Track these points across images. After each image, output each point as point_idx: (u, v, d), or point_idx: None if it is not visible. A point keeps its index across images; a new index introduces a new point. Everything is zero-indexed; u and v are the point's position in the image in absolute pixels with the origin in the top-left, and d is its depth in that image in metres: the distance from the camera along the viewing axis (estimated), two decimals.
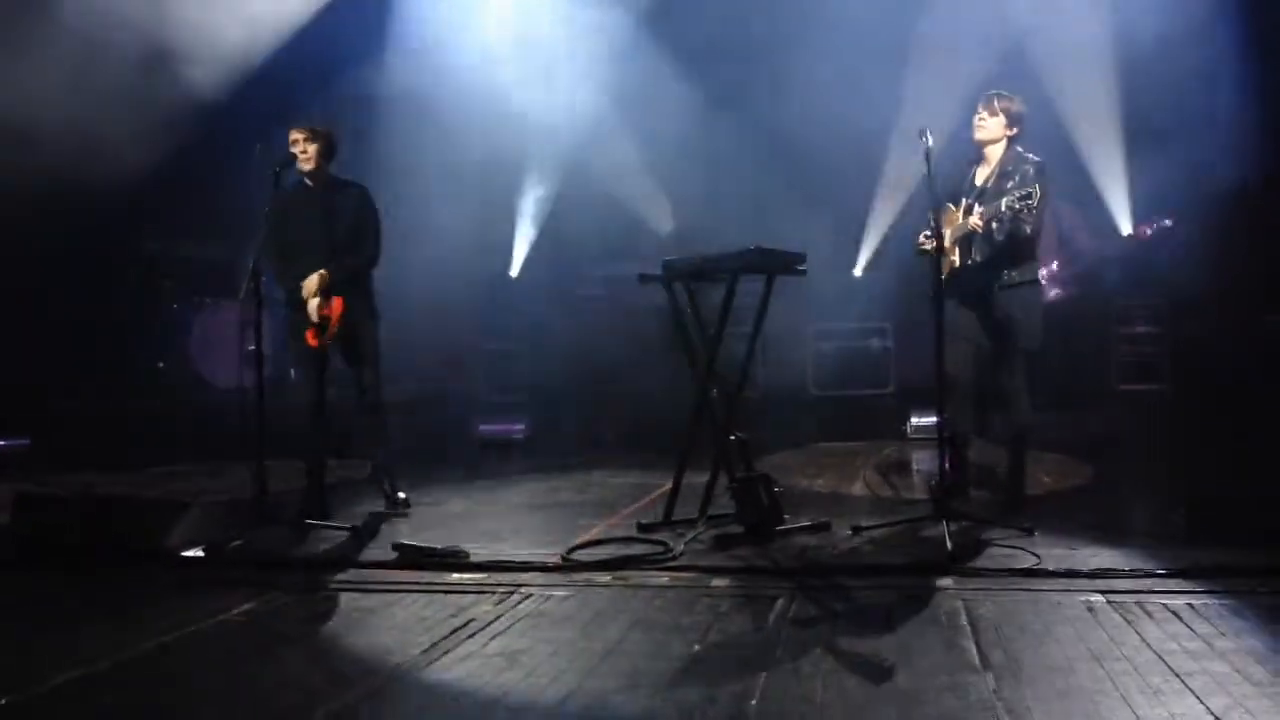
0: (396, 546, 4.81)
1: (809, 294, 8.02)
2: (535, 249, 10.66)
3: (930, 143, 4.95)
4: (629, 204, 10.48)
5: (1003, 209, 4.95)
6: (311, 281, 5.48)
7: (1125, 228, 9.07)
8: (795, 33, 9.07)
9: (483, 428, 9.07)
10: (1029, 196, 4.85)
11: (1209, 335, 8.48)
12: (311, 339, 5.51)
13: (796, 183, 9.13)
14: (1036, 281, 5.39)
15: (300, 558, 4.94)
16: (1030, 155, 5.31)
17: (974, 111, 5.40)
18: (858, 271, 9.98)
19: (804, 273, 5.44)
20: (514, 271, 10.72)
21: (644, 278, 5.67)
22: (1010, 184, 5.17)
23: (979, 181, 5.40)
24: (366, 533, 5.34)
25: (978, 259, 5.30)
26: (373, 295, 5.81)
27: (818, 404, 9.35)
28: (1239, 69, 8.25)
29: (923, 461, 7.13)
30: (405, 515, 5.73)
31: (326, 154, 5.62)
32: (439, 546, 4.77)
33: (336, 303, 5.49)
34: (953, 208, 5.44)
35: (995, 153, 5.38)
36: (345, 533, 5.31)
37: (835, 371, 9.49)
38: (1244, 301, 8.34)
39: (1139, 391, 8.56)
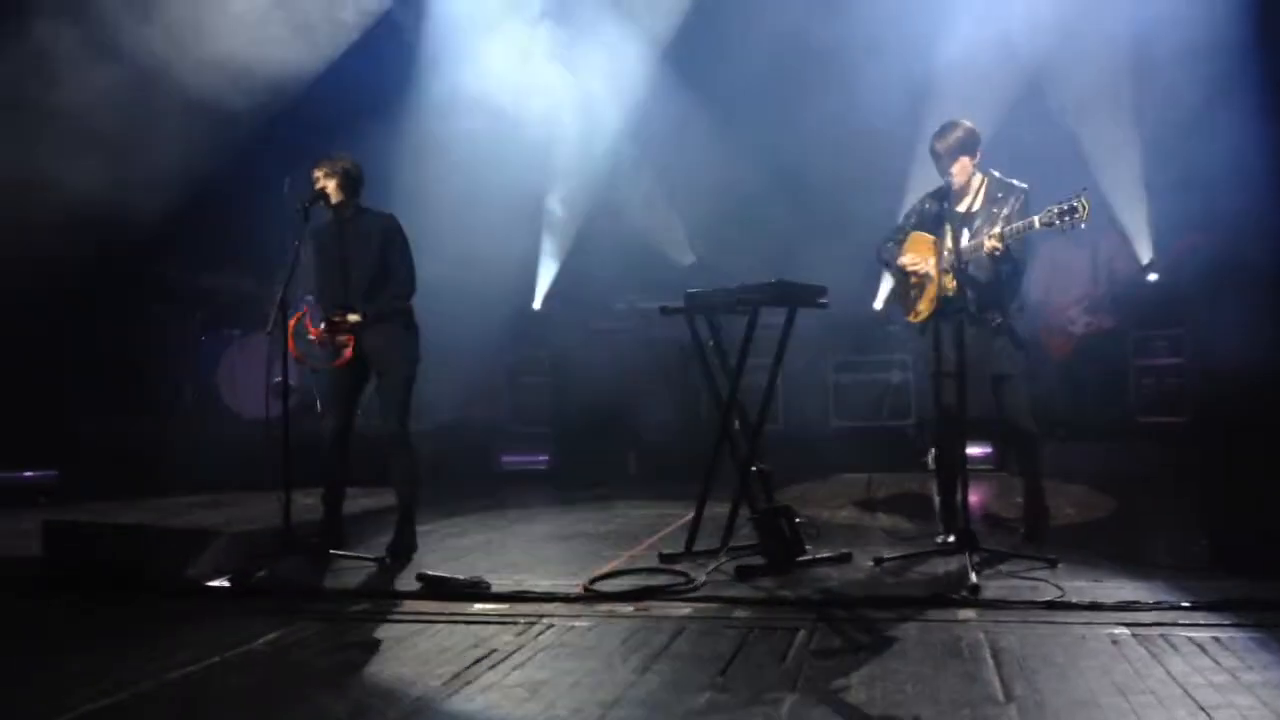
0: (420, 577, 4.84)
1: (830, 326, 8.05)
2: (557, 282, 10.73)
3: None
4: (650, 237, 10.55)
5: (1037, 225, 4.79)
6: (349, 320, 5.50)
7: (1146, 255, 9.04)
8: (816, 65, 9.12)
9: (505, 459, 9.11)
10: (1074, 210, 4.67)
11: (1231, 366, 8.42)
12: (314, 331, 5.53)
13: (818, 215, 9.16)
14: (1024, 306, 5.39)
15: (325, 588, 4.98)
16: (1012, 181, 5.25)
17: (935, 156, 5.24)
18: (878, 304, 9.99)
19: (825, 305, 5.46)
20: (536, 304, 10.80)
21: (666, 310, 5.71)
22: (1005, 209, 5.13)
23: (961, 209, 5.25)
24: (390, 563, 5.37)
25: (982, 279, 5.16)
26: (411, 334, 5.66)
27: (838, 436, 9.33)
28: (1262, 89, 8.22)
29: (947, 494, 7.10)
30: (405, 560, 5.47)
31: (347, 186, 5.59)
32: (462, 577, 4.80)
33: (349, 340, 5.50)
34: (928, 236, 5.35)
35: (972, 182, 5.29)
36: (369, 563, 5.35)
37: (856, 403, 9.48)
38: (1266, 332, 8.26)
39: (1159, 424, 8.49)
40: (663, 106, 9.70)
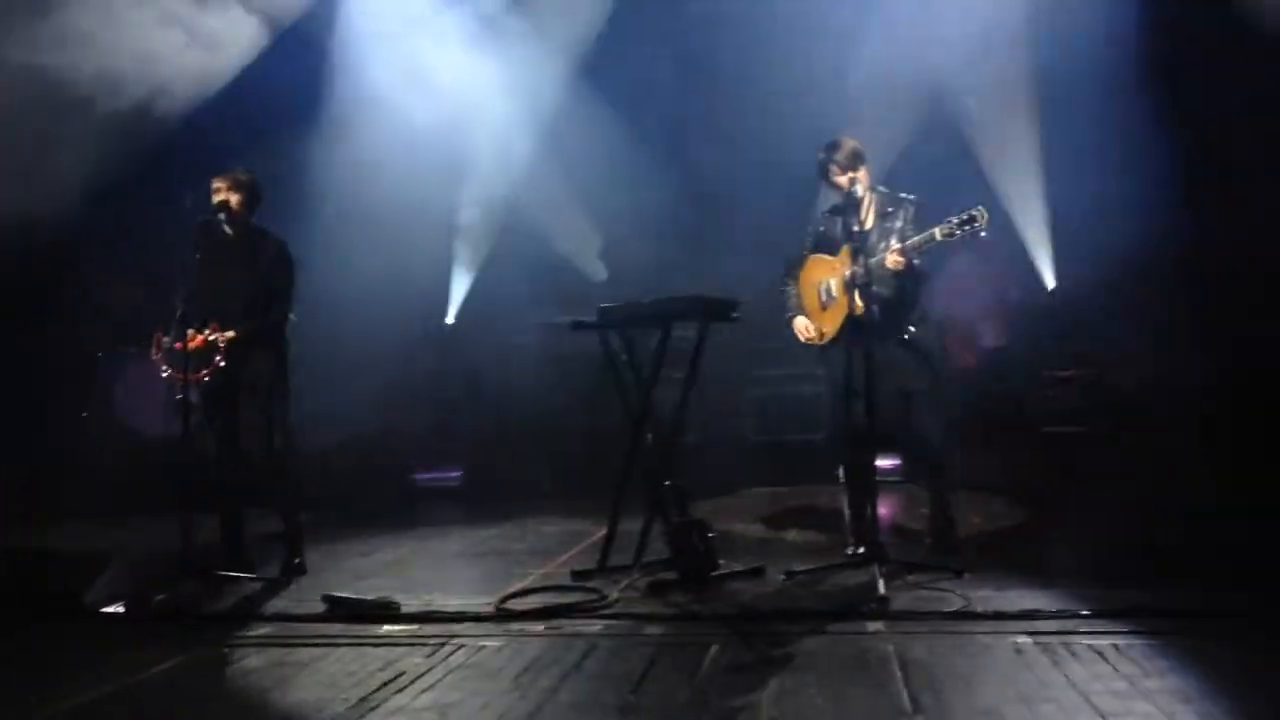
0: (325, 598, 4.73)
1: (744, 339, 8.09)
2: (471, 296, 10.63)
3: None
4: (564, 251, 10.51)
5: (938, 237, 4.87)
6: (223, 337, 5.36)
7: (1049, 279, 9.27)
8: (731, 78, 9.20)
9: (418, 475, 8.98)
10: (974, 219, 4.74)
11: (1133, 379, 8.68)
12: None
13: (733, 229, 9.22)
14: (925, 318, 5.43)
15: (226, 612, 4.85)
16: (901, 194, 5.38)
17: (829, 173, 5.32)
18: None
19: (737, 319, 5.49)
20: (450, 318, 10.68)
21: (578, 324, 5.70)
22: (898, 222, 5.24)
23: (856, 227, 5.24)
24: (294, 585, 5.25)
25: (885, 295, 5.19)
26: (285, 353, 5.64)
27: (752, 449, 9.38)
28: (1159, 113, 8.48)
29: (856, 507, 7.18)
30: (294, 581, 5.42)
31: (249, 203, 5.58)
32: (369, 597, 4.71)
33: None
34: (827, 258, 5.46)
35: (864, 198, 5.31)
36: (272, 585, 5.23)
37: (770, 417, 9.54)
38: (1168, 346, 8.54)
39: (1062, 434, 8.69)
40: (577, 120, 9.69)
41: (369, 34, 9.26)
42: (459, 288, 10.62)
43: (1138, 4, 8.25)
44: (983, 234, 4.77)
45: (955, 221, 4.81)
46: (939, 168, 8.16)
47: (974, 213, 4.77)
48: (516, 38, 9.48)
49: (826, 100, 8.44)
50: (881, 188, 5.41)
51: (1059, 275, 9.22)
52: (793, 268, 5.68)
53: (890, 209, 5.34)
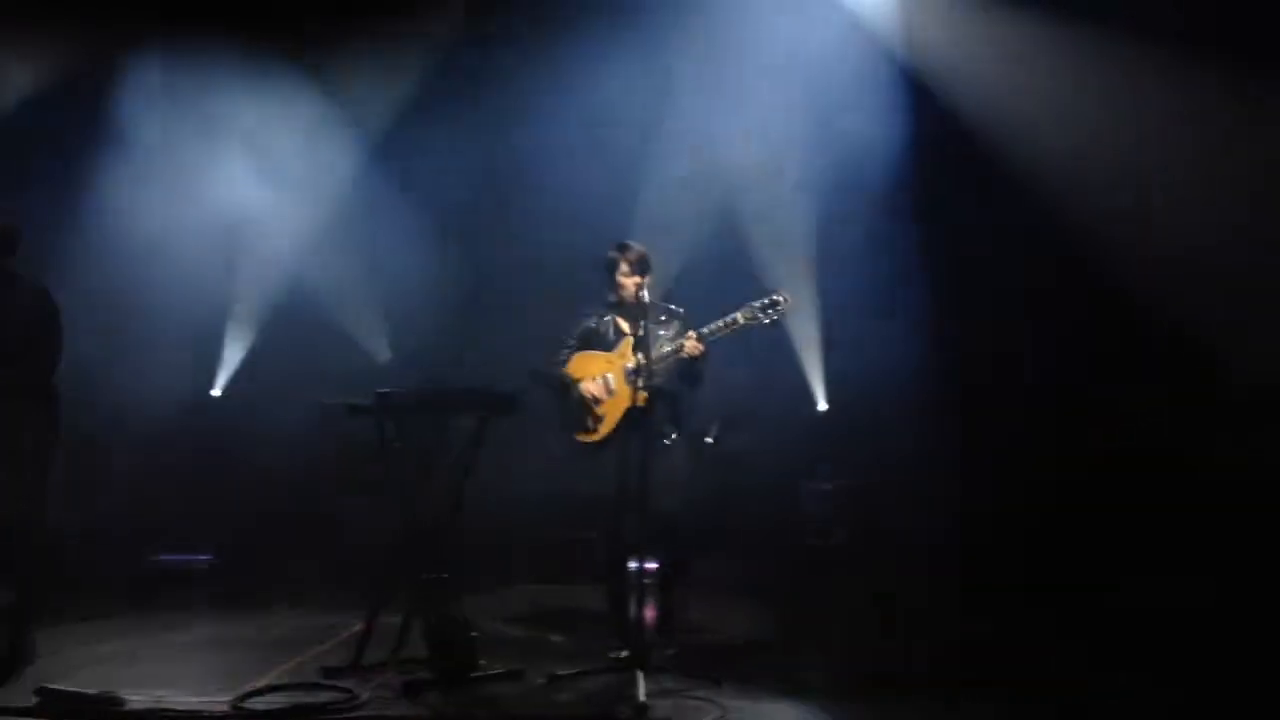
0: (40, 691, 4.30)
1: (518, 431, 8.02)
2: (241, 370, 10.11)
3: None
4: (345, 329, 10.19)
5: (740, 321, 4.99)
6: None
7: (822, 404, 9.65)
8: (525, 170, 9.27)
9: (162, 557, 8.36)
10: (776, 304, 4.88)
11: (880, 492, 9.09)
12: None
13: (520, 317, 9.19)
14: (690, 421, 5.61)
15: None
16: (670, 305, 5.58)
17: (617, 272, 5.48)
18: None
19: (515, 414, 5.45)
20: (216, 391, 10.11)
21: (353, 409, 5.50)
22: (670, 331, 5.41)
23: (629, 331, 5.45)
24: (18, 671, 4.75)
25: (666, 390, 5.32)
26: (47, 412, 5.17)
27: (520, 545, 9.24)
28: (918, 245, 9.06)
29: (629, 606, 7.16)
30: (22, 669, 4.90)
31: (3, 248, 5.16)
32: (90, 691, 4.31)
33: None
34: (599, 353, 5.56)
35: (640, 303, 5.35)
36: None
37: (539, 512, 9.44)
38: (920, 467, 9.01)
39: (824, 547, 8.94)
40: (368, 198, 9.55)
41: (151, 91, 8.90)
42: (229, 360, 10.10)
43: (911, 138, 8.86)
44: (784, 314, 4.90)
45: (758, 305, 4.95)
46: (721, 281, 8.46)
47: (776, 297, 4.93)
48: (310, 110, 9.34)
49: (615, 202, 8.67)
50: (653, 298, 5.52)
51: (827, 395, 9.60)
52: (557, 369, 5.71)
53: (664, 317, 5.53)
